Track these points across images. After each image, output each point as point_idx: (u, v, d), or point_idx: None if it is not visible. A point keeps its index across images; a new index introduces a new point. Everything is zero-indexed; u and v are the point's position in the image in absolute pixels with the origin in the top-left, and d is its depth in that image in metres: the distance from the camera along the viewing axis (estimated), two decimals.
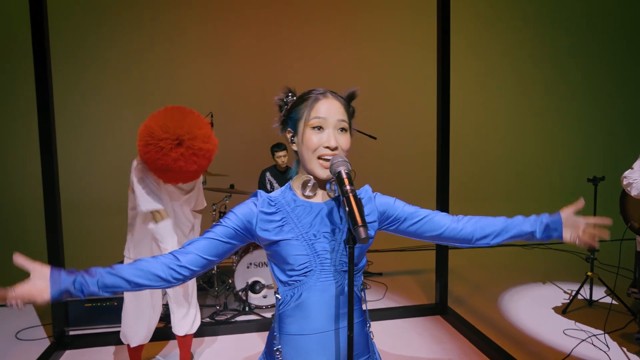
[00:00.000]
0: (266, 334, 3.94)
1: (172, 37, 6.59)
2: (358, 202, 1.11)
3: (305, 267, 1.28)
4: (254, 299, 4.23)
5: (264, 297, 4.25)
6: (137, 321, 2.87)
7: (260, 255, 4.24)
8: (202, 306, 4.30)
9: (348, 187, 1.14)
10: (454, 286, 4.83)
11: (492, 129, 7.80)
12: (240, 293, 4.18)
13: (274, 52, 6.88)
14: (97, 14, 6.43)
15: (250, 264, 4.24)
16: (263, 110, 7.14)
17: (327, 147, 1.26)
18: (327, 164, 1.26)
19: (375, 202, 1.39)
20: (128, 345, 2.95)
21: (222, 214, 4.87)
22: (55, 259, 3.54)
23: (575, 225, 1.35)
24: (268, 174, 5.40)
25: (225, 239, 1.29)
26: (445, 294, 4.16)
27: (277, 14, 6.88)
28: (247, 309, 4.14)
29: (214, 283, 4.55)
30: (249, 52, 6.81)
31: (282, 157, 5.25)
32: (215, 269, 4.56)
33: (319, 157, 1.27)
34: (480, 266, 5.79)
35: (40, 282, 1.15)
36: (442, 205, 3.98)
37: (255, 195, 1.36)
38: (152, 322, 2.92)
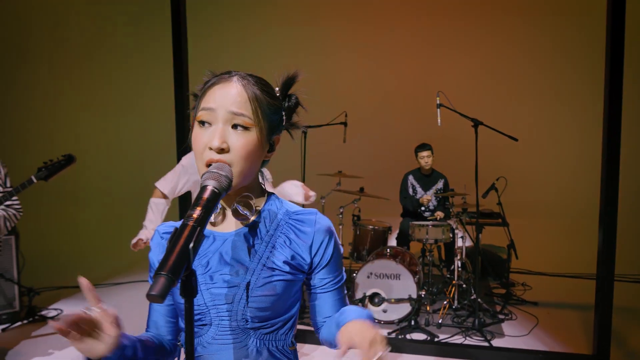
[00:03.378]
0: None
1: (308, 31, 6.60)
2: (188, 239, 0.77)
3: (199, 320, 0.98)
4: (373, 312, 3.93)
5: (384, 311, 3.92)
6: None
7: (382, 265, 3.91)
8: None
9: (194, 213, 0.80)
10: (626, 331, 3.77)
11: None
12: (358, 304, 3.93)
13: (417, 51, 6.40)
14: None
15: (371, 274, 3.95)
16: (401, 110, 6.83)
17: (211, 149, 0.92)
18: None
19: (314, 250, 1.03)
20: None
21: (356, 217, 4.68)
22: None
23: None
24: (411, 178, 5.01)
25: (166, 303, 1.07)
26: (606, 342, 3.25)
27: (423, 12, 6.37)
28: None
29: None
30: (388, 50, 6.46)
31: (425, 158, 4.81)
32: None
33: (207, 164, 0.92)
34: None
35: (101, 346, 0.86)
36: (609, 224, 3.09)
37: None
38: None
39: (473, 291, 3.91)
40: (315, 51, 6.74)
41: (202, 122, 0.94)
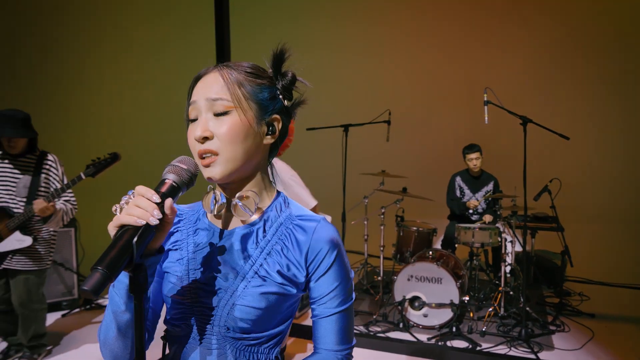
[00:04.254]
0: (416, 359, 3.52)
1: (350, 30, 6.50)
2: (133, 233, 0.73)
3: (181, 318, 0.94)
4: (414, 315, 3.81)
5: (425, 315, 3.78)
6: None
7: (423, 268, 3.78)
8: (358, 312, 4.10)
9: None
10: None
11: None
12: (397, 307, 3.82)
13: (464, 47, 6.14)
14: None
15: (412, 276, 3.82)
16: (447, 108, 6.57)
17: (197, 140, 0.88)
18: (206, 160, 0.89)
19: (308, 248, 0.93)
20: None
21: (399, 218, 4.56)
22: None
23: None
24: (458, 179, 4.82)
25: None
26: None
27: (471, 7, 6.10)
28: (402, 325, 3.75)
29: (379, 289, 4.28)
30: (433, 46, 6.24)
31: (474, 161, 4.62)
32: (382, 275, 4.28)
33: (200, 156, 0.89)
34: None
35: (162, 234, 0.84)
36: None
37: None
38: None
39: (522, 299, 3.70)
40: (358, 49, 6.66)
41: (190, 120, 0.92)
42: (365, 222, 4.45)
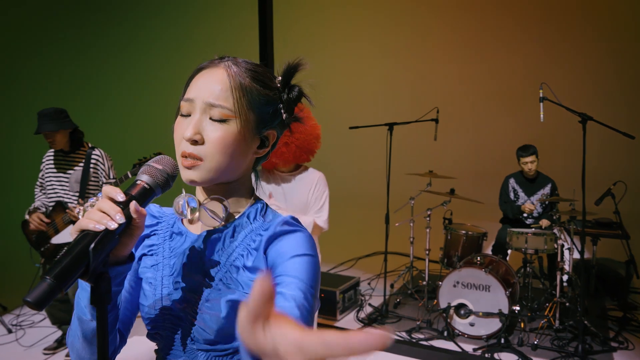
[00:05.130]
0: None
1: (396, 28, 6.29)
2: (91, 239, 0.66)
3: (153, 327, 0.88)
4: (459, 324, 3.63)
5: (471, 324, 3.59)
6: None
7: (470, 274, 3.59)
8: (402, 317, 3.96)
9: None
10: None
11: None
12: (442, 314, 3.65)
13: (517, 41, 5.77)
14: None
15: (458, 282, 3.64)
16: (498, 105, 6.20)
17: (186, 140, 0.81)
18: (188, 162, 0.81)
19: (268, 252, 0.84)
20: None
21: (447, 220, 4.37)
22: None
23: None
24: (512, 181, 4.55)
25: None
26: None
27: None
28: (446, 333, 3.58)
29: (424, 294, 4.12)
30: (483, 41, 5.91)
31: (529, 164, 4.33)
32: (427, 279, 4.11)
33: (182, 156, 0.82)
34: None
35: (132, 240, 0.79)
36: None
37: None
38: None
39: (579, 311, 3.42)
40: (405, 46, 6.45)
41: (185, 115, 0.85)
42: (411, 224, 4.30)
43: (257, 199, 0.95)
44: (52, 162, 3.32)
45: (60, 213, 3.23)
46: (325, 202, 2.58)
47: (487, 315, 3.49)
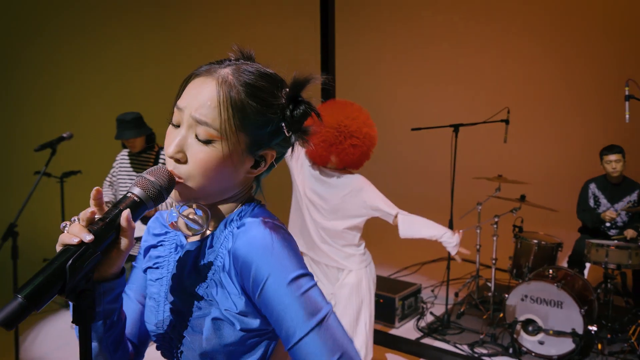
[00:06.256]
0: None
1: (465, 25, 5.93)
2: (69, 256, 0.62)
3: (159, 348, 0.85)
4: (527, 341, 3.37)
5: (540, 343, 3.32)
6: None
7: (541, 288, 3.32)
8: (464, 329, 3.76)
9: (96, 225, 0.66)
10: None
11: None
12: (508, 330, 3.41)
13: (598, 35, 5.22)
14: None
15: (526, 296, 3.38)
16: (576, 104, 5.66)
17: (168, 157, 0.76)
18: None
19: (240, 272, 0.75)
20: None
21: (517, 228, 4.08)
22: None
23: None
24: (593, 186, 4.16)
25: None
26: None
27: None
28: (512, 350, 3.33)
29: (489, 305, 3.87)
30: (559, 36, 5.41)
31: (613, 163, 3.92)
32: (493, 290, 3.86)
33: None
34: None
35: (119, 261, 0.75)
36: None
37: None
38: None
39: None
40: (473, 45, 6.10)
41: (175, 125, 0.80)
42: (478, 231, 4.06)
43: (250, 202, 0.87)
44: (126, 161, 3.52)
45: None
46: (382, 200, 2.46)
47: (559, 334, 3.21)
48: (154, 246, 0.91)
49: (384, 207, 2.44)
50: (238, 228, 0.79)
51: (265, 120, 0.79)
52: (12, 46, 5.90)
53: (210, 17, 6.82)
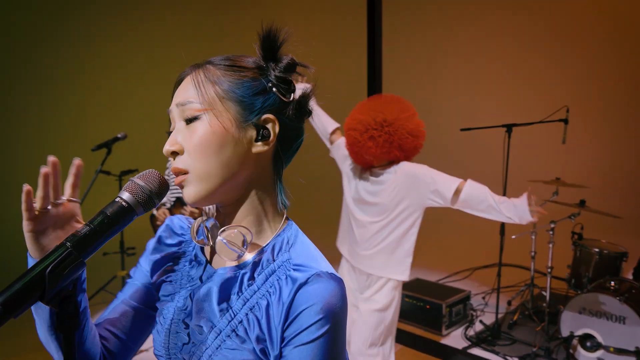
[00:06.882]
0: None
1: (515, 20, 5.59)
2: (49, 262, 0.58)
3: None
4: (585, 357, 3.14)
5: None
6: None
7: (600, 301, 3.08)
8: (516, 341, 3.56)
9: (81, 230, 0.63)
10: None
11: None
12: (563, 344, 3.20)
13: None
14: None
15: (584, 309, 3.15)
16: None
17: (166, 155, 0.73)
18: (178, 179, 0.72)
19: (293, 302, 0.68)
20: None
21: (577, 235, 3.83)
22: None
23: None
24: None
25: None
26: None
27: None
28: None
29: (544, 316, 3.64)
30: (618, 31, 4.97)
31: None
32: (548, 301, 3.63)
33: (174, 174, 0.75)
34: None
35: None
36: None
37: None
38: None
39: None
40: (528, 41, 5.76)
41: (169, 133, 0.78)
42: (533, 237, 3.84)
43: (287, 221, 0.80)
44: None
45: (179, 208, 3.52)
46: (442, 178, 2.30)
47: (620, 351, 2.96)
48: (168, 259, 0.87)
49: (442, 179, 2.29)
50: (295, 270, 0.72)
51: (243, 80, 0.75)
52: (89, 46, 6.23)
53: (260, 10, 6.90)
